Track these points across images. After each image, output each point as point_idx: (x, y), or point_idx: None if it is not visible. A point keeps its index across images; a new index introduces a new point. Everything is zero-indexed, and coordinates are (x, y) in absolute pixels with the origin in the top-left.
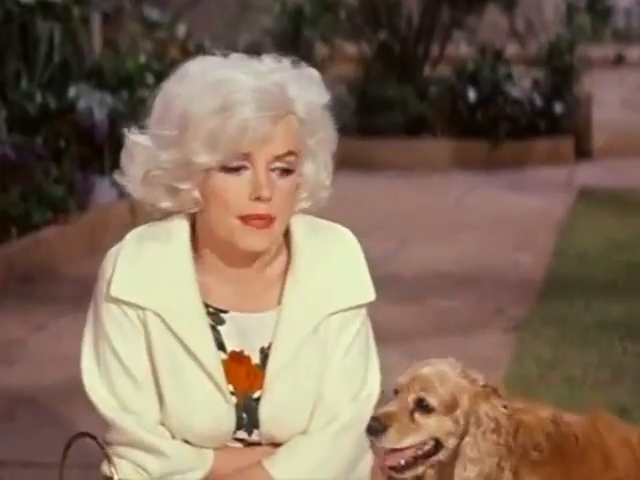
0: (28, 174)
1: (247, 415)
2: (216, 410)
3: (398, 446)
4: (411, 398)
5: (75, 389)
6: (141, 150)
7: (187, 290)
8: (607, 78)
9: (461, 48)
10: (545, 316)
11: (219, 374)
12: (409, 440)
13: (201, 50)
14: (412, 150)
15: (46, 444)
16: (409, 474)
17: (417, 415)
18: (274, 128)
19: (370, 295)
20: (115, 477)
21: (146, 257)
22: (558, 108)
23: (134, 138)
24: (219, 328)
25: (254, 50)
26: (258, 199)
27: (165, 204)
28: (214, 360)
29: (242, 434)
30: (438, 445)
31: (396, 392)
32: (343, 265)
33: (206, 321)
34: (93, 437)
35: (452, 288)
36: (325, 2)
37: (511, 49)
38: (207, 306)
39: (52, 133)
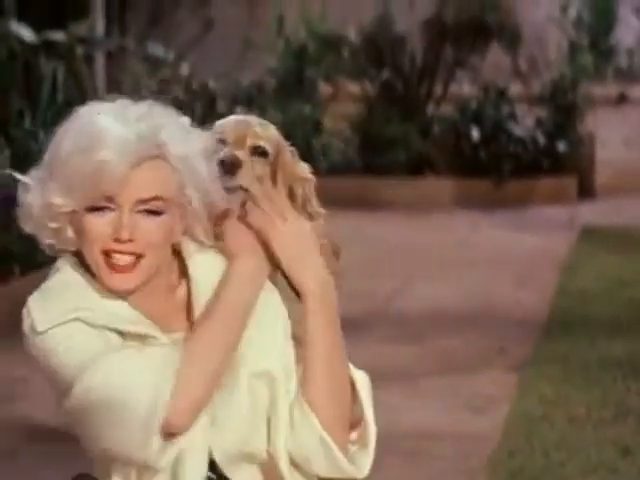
0: None
1: None
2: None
3: (250, 187)
4: (249, 145)
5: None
6: (26, 189)
7: (105, 310)
8: (610, 117)
9: (464, 87)
10: (548, 354)
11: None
12: (255, 185)
13: (204, 88)
14: (415, 189)
15: None
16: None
17: (255, 159)
18: (137, 172)
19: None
20: None
21: (57, 299)
22: (561, 147)
23: (23, 178)
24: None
25: (257, 88)
26: (117, 240)
27: (48, 241)
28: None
29: None
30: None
31: (222, 142)
32: None
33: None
34: (95, 479)
35: (455, 326)
36: (328, 41)
37: (514, 88)
38: (125, 334)
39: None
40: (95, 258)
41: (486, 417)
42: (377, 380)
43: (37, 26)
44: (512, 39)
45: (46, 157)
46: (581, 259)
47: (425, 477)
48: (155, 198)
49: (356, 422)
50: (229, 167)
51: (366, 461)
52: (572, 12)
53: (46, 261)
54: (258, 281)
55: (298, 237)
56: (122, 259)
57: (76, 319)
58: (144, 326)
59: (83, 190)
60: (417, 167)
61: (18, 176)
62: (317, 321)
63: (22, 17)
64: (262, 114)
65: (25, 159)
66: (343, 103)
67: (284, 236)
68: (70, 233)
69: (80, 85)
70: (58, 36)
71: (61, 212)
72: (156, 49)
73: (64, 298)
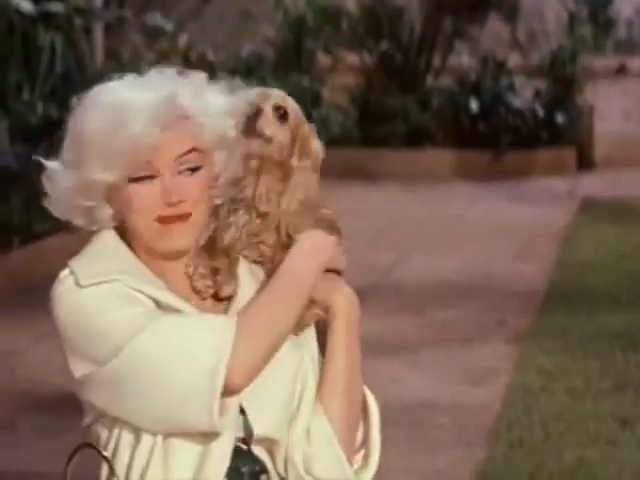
0: (30, 184)
1: None
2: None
3: (270, 134)
4: (272, 103)
5: (78, 399)
6: (53, 173)
7: (148, 277)
8: (609, 89)
9: (463, 58)
10: (547, 327)
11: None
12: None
13: (203, 60)
14: (414, 160)
15: (48, 455)
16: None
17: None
18: (167, 135)
19: None
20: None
21: (99, 262)
22: (560, 118)
23: (47, 163)
24: None
25: (256, 59)
26: (168, 204)
27: (78, 221)
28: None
29: None
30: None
31: (258, 110)
32: None
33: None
34: (96, 448)
35: (455, 299)
36: (327, 12)
37: (513, 59)
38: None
39: (54, 143)
40: (148, 225)
41: (485, 389)
42: (376, 352)
43: None
44: (511, 10)
45: (70, 139)
46: (580, 231)
47: (424, 448)
48: (190, 150)
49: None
50: (252, 114)
51: (367, 476)
52: None
53: (45, 232)
54: (321, 257)
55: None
56: (174, 220)
57: (118, 280)
58: (178, 302)
59: (122, 161)
60: (416, 139)
61: (44, 162)
62: (343, 334)
63: None
64: (261, 85)
65: (24, 130)
66: (342, 74)
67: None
68: (107, 210)
69: (78, 56)
70: (56, 7)
71: (99, 188)
72: (155, 20)
73: (106, 261)
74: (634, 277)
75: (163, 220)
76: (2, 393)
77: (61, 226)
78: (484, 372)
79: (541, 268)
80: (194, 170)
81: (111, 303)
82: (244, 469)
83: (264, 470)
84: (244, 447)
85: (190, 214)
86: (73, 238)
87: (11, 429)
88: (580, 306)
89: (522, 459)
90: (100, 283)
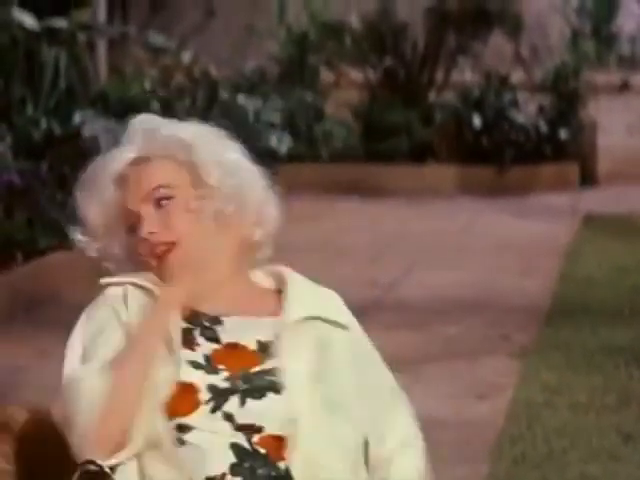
0: (34, 199)
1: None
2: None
3: None
4: None
5: None
6: None
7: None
8: (612, 104)
9: (466, 74)
10: (551, 341)
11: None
12: None
13: (206, 76)
14: (417, 176)
15: None
16: None
17: None
18: (132, 184)
19: None
20: None
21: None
22: (563, 134)
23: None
24: (215, 327)
25: (259, 75)
26: (145, 239)
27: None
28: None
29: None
30: None
31: None
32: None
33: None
34: (99, 466)
35: (458, 313)
36: (330, 28)
37: (516, 75)
38: (202, 315)
39: (57, 159)
40: (151, 265)
41: (488, 404)
42: None
43: (39, 13)
44: (514, 26)
45: None
46: (583, 246)
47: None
48: (156, 188)
49: None
50: None
51: None
52: None
53: (49, 248)
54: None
55: None
56: (157, 249)
57: (125, 285)
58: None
59: (110, 221)
60: (419, 154)
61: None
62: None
63: (24, 4)
64: (264, 101)
65: (27, 146)
66: (345, 90)
67: None
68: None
69: (82, 72)
70: (60, 23)
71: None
72: (158, 37)
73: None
74: (637, 292)
75: (154, 258)
76: None
77: (65, 242)
78: (487, 387)
79: (544, 283)
80: (165, 199)
81: (89, 326)
82: (260, 471)
83: (282, 477)
84: (262, 450)
85: (172, 243)
86: (76, 254)
87: None
88: (583, 321)
89: (525, 475)
90: (113, 285)
